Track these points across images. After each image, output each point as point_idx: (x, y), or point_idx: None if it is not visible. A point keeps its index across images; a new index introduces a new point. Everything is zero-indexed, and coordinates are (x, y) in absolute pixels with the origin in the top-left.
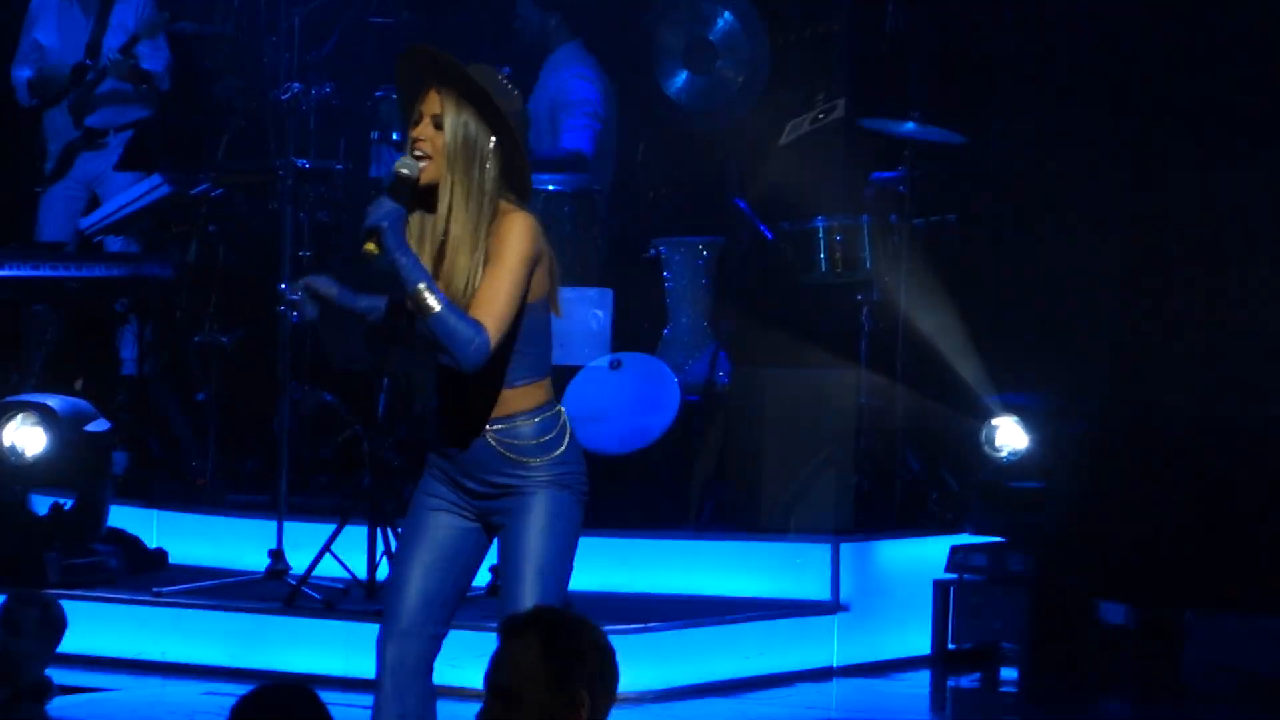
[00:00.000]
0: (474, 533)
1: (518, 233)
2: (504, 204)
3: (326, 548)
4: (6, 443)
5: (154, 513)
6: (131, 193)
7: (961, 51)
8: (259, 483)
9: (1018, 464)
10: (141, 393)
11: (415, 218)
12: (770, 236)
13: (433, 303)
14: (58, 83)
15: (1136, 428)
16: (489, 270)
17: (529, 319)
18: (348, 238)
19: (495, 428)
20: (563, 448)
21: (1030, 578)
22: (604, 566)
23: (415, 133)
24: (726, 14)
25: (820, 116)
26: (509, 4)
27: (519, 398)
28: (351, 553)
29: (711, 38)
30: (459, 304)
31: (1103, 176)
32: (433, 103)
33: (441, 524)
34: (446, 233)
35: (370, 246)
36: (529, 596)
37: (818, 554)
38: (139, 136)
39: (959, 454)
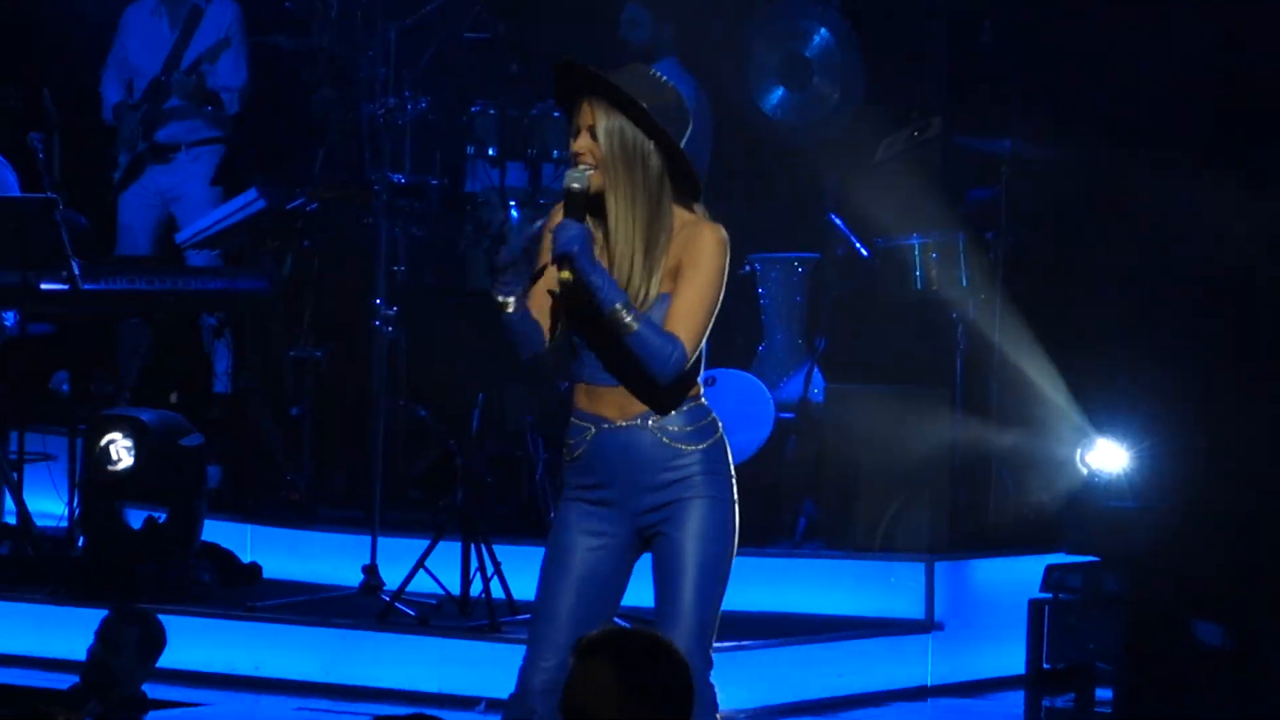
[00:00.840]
0: (628, 561)
1: (715, 247)
2: (686, 213)
3: (420, 563)
4: (99, 456)
5: (248, 527)
6: (227, 207)
7: (1057, 69)
8: (352, 498)
9: (1113, 483)
10: (236, 407)
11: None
12: (866, 253)
13: (630, 322)
14: (126, 122)
15: (1232, 446)
16: (686, 282)
17: None
18: (441, 252)
19: (651, 419)
20: (714, 440)
21: (1126, 597)
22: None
23: (575, 146)
24: (822, 30)
25: (915, 134)
26: (605, 16)
27: (669, 391)
28: (445, 569)
29: (807, 54)
30: (640, 307)
31: (1200, 192)
32: (586, 114)
33: (594, 560)
34: (605, 245)
35: (566, 274)
36: (689, 602)
37: (912, 572)
38: (230, 152)
39: (1054, 473)
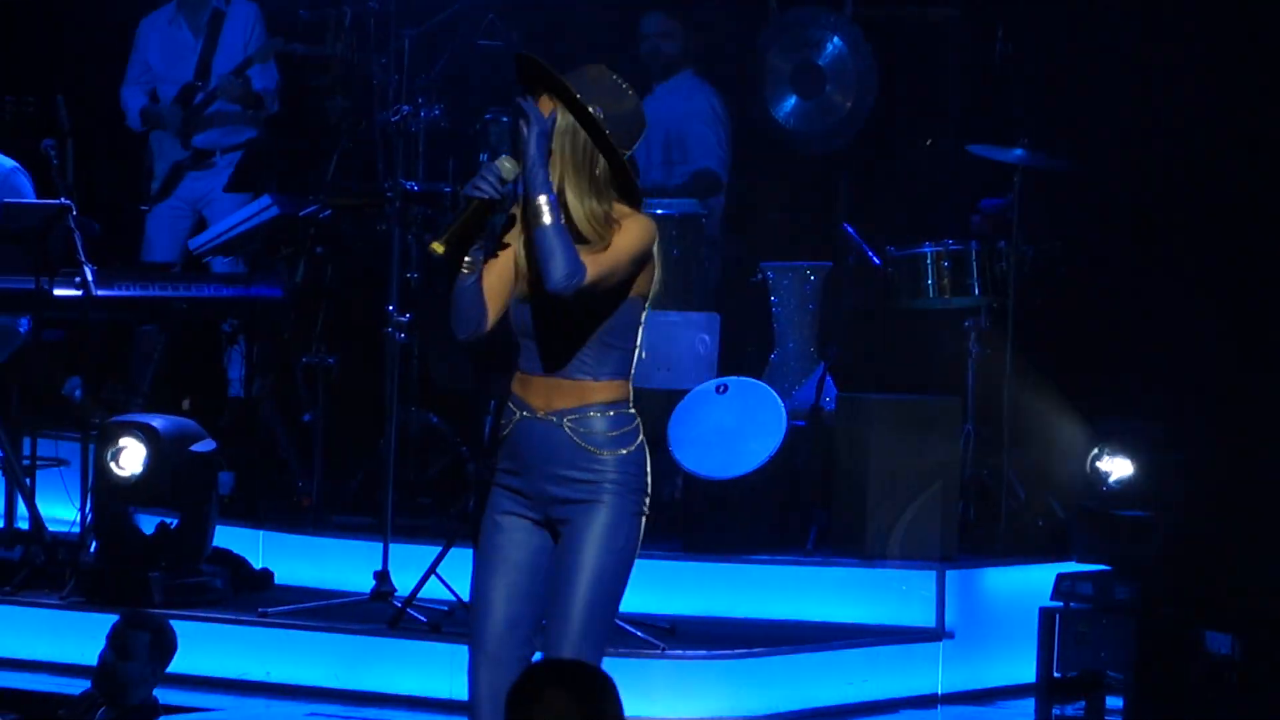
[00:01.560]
0: (548, 544)
1: (636, 227)
2: (621, 208)
3: (432, 570)
4: (110, 462)
5: (260, 533)
6: (241, 214)
7: (1070, 78)
8: (364, 504)
9: (1123, 492)
10: (248, 413)
11: (519, 211)
12: (878, 262)
13: (548, 217)
14: (166, 117)
15: (1243, 455)
16: (610, 245)
17: (624, 313)
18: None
19: (570, 417)
20: (633, 448)
21: (1136, 607)
22: (708, 591)
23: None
24: (835, 39)
25: (928, 143)
26: (619, 25)
27: (598, 391)
28: (456, 575)
29: (820, 63)
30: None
31: (1212, 203)
32: (545, 105)
33: (516, 542)
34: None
35: (510, 164)
36: (578, 610)
37: (923, 580)
38: (248, 158)
39: (1065, 481)
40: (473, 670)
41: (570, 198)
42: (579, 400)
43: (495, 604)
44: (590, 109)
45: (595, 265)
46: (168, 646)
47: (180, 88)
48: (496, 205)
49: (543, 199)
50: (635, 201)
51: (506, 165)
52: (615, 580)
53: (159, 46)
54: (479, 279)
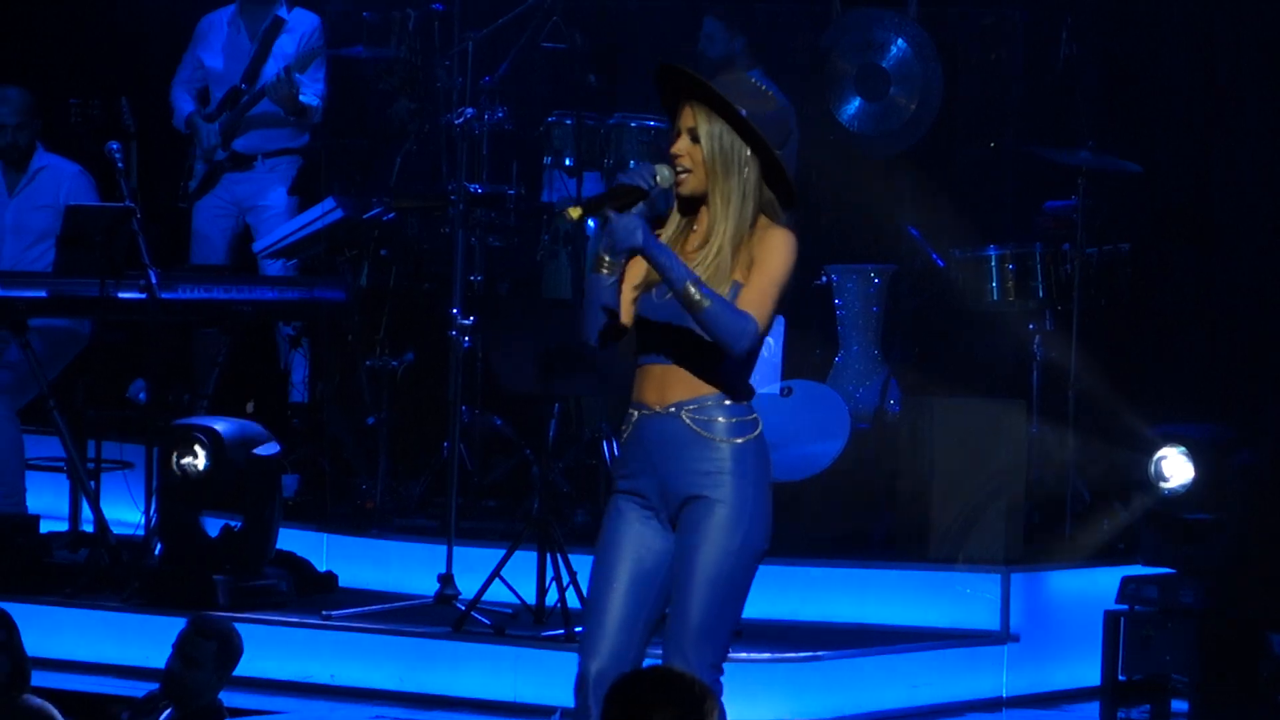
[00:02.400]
0: (669, 544)
1: (784, 245)
2: (763, 218)
3: (496, 573)
4: (173, 465)
5: (324, 536)
6: (305, 216)
7: (1134, 80)
8: (429, 507)
9: (1187, 495)
10: (312, 416)
11: (672, 224)
12: (942, 264)
13: (701, 298)
14: (203, 134)
15: None
16: (757, 272)
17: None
18: (518, 262)
19: (688, 407)
20: (751, 437)
21: (1201, 610)
22: (773, 594)
23: (674, 149)
24: (900, 41)
25: (990, 145)
26: (683, 28)
27: (716, 380)
28: (520, 578)
29: (885, 65)
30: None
31: (1277, 204)
32: (688, 117)
33: (636, 545)
34: (704, 241)
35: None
36: (695, 615)
37: (988, 583)
38: (310, 162)
39: (1130, 485)
40: (582, 672)
41: (718, 204)
42: (694, 391)
43: (611, 607)
44: (738, 109)
45: (756, 305)
46: (234, 653)
47: (227, 90)
48: (643, 197)
49: (690, 286)
50: (789, 197)
51: (664, 171)
52: (732, 582)
53: (217, 46)
54: (619, 280)
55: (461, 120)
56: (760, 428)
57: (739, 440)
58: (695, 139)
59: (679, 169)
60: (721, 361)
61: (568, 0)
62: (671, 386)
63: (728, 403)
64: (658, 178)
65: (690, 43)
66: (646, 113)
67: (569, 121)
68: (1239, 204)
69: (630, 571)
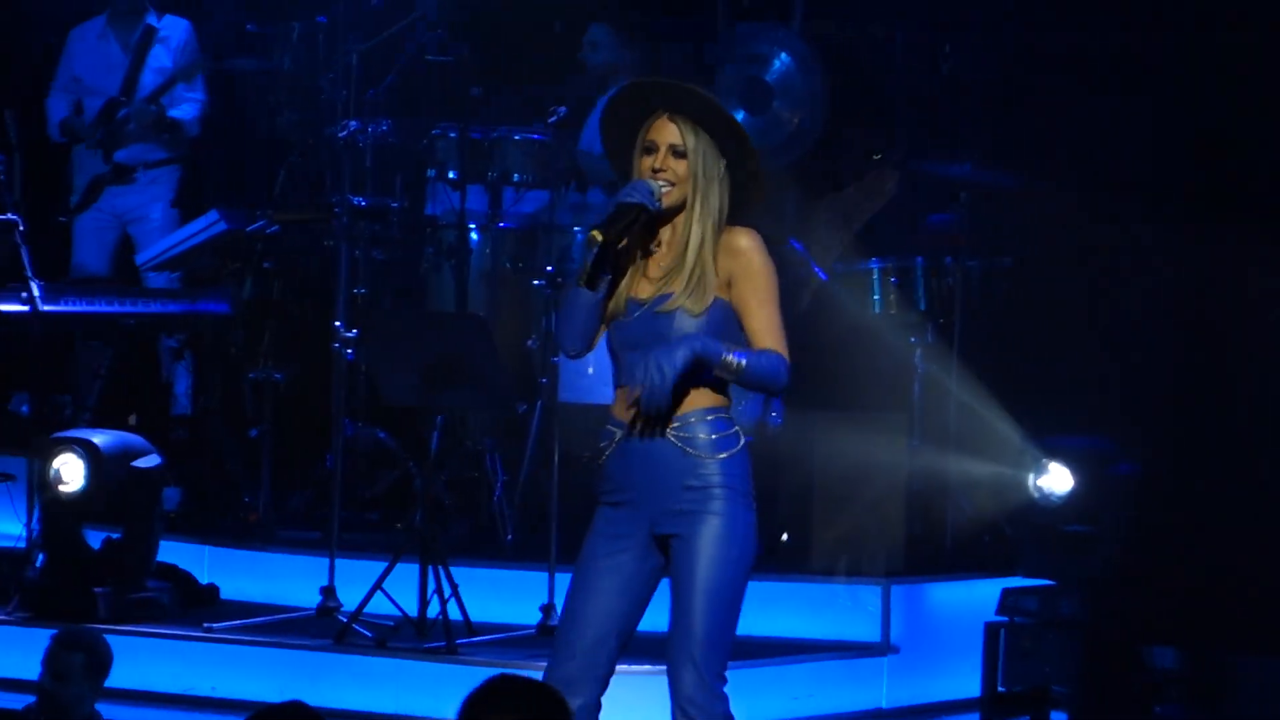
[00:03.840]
0: (651, 563)
1: (760, 256)
2: (731, 230)
3: (378, 585)
4: (51, 478)
5: (206, 548)
6: (188, 229)
7: (1016, 93)
8: (311, 519)
9: (1066, 507)
10: (195, 428)
11: (638, 236)
12: (825, 277)
13: (737, 362)
14: (85, 132)
15: (1187, 470)
16: (754, 298)
17: (721, 318)
18: (402, 274)
19: (674, 426)
20: (736, 450)
21: (1081, 621)
22: (654, 606)
23: (655, 163)
24: (783, 55)
25: (875, 158)
26: (564, 43)
27: (701, 396)
28: (402, 590)
29: (768, 79)
30: (684, 312)
31: (1158, 219)
32: (670, 132)
33: (616, 566)
34: (678, 255)
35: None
36: (699, 626)
37: (869, 595)
38: (190, 173)
39: (1010, 497)
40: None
41: (696, 218)
42: (681, 408)
43: (587, 623)
44: (738, 127)
45: (776, 337)
46: (103, 663)
47: (104, 102)
48: (646, 214)
49: (730, 358)
50: (761, 196)
51: (656, 188)
52: (732, 591)
53: (87, 59)
54: (603, 298)
55: (346, 133)
56: (744, 440)
57: (724, 455)
58: (679, 154)
59: (662, 183)
60: (700, 378)
61: (452, 13)
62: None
63: (710, 418)
64: (655, 195)
65: (574, 53)
66: (530, 125)
67: (453, 134)
68: (1121, 217)
69: (608, 588)
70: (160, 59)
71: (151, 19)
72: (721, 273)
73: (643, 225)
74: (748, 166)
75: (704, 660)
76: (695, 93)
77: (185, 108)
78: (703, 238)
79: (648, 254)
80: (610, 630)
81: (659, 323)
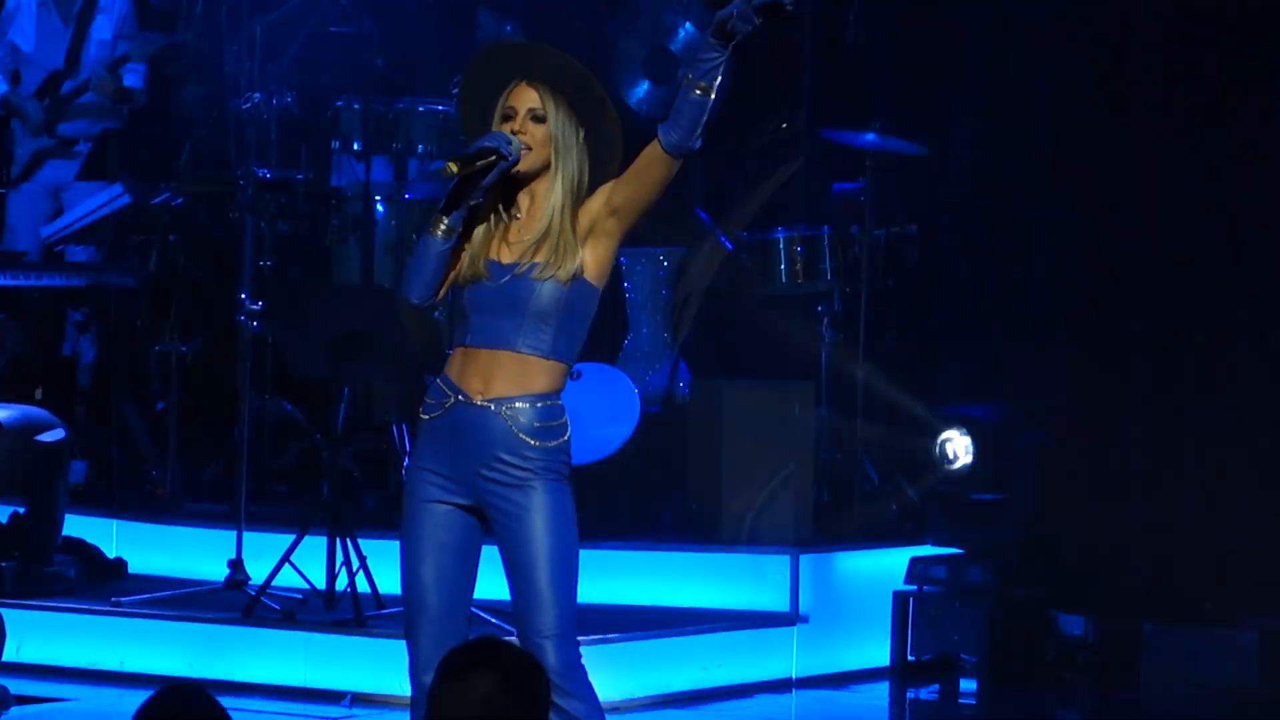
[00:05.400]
0: (475, 525)
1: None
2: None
3: (286, 558)
4: None
5: (113, 522)
6: (92, 202)
7: (921, 62)
8: (218, 492)
9: (973, 475)
10: (101, 402)
11: (494, 199)
12: (731, 247)
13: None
14: (28, 111)
15: (1093, 438)
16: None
17: (588, 296)
18: (308, 246)
19: (506, 405)
20: (563, 440)
21: (989, 589)
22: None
23: (514, 127)
24: (687, 24)
25: (782, 126)
26: (465, 11)
27: (540, 373)
28: (310, 563)
29: (673, 48)
30: (551, 281)
31: (1061, 185)
32: (529, 97)
33: (444, 526)
34: (541, 223)
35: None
36: (547, 593)
37: (777, 565)
38: (101, 145)
39: (917, 465)
40: (414, 660)
41: (557, 184)
42: (519, 386)
43: (429, 590)
44: (602, 93)
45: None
46: None
47: (46, 74)
48: (502, 160)
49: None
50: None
51: (516, 142)
52: (573, 558)
53: (27, 28)
54: (452, 247)
55: (249, 105)
56: (569, 431)
57: (551, 444)
58: (538, 118)
59: (518, 143)
60: (546, 360)
61: None
62: (496, 380)
63: (541, 405)
64: (512, 145)
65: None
66: (434, 97)
67: (357, 105)
68: (1026, 184)
69: (439, 552)
70: (102, 30)
71: None
72: (580, 232)
73: (500, 181)
74: (607, 128)
75: (564, 632)
76: (551, 53)
77: (132, 77)
78: (563, 203)
79: (508, 220)
80: (456, 594)
81: (520, 287)
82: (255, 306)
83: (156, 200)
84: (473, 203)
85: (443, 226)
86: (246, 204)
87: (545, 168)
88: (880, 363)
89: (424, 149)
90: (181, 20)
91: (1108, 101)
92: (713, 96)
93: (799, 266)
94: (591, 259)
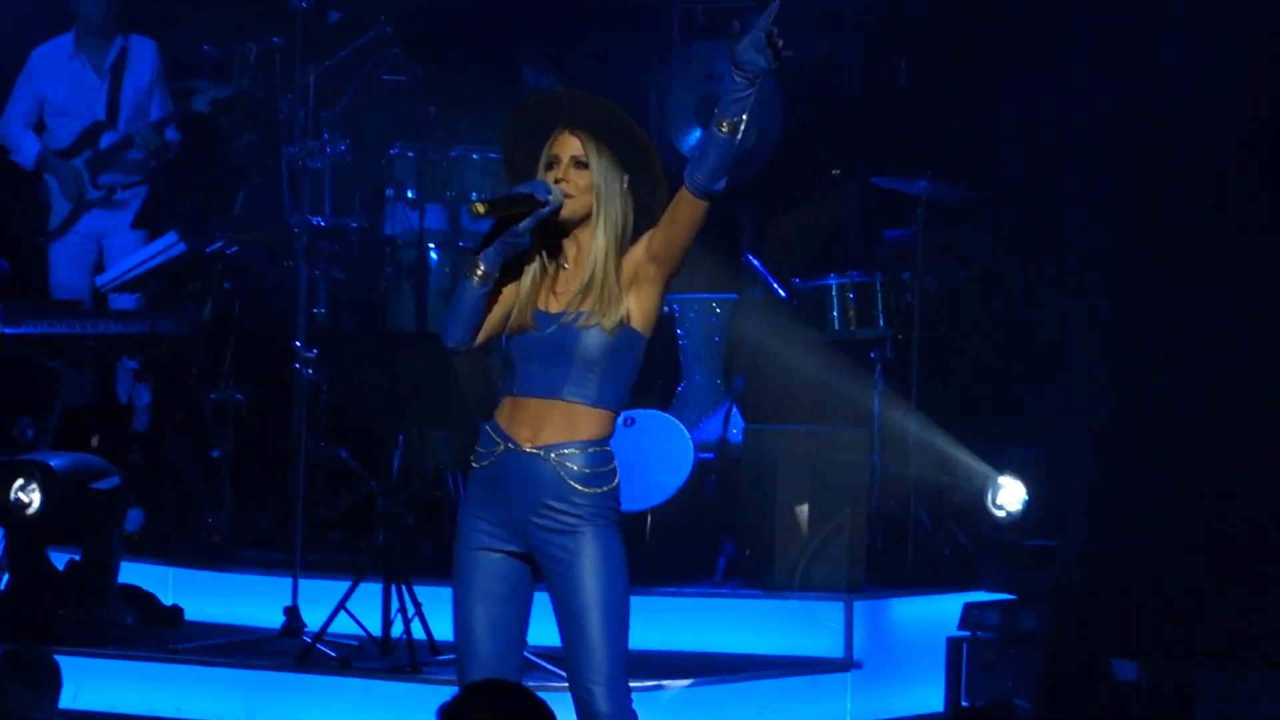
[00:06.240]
0: (527, 573)
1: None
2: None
3: (341, 605)
4: (8, 501)
5: (170, 569)
6: (147, 250)
7: (972, 110)
8: (274, 539)
9: (1025, 521)
10: (156, 449)
11: (539, 248)
12: (783, 294)
13: (736, 132)
14: (65, 173)
15: (1145, 483)
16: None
17: (635, 344)
18: (361, 294)
19: (555, 452)
20: (612, 486)
21: (1043, 635)
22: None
23: (558, 174)
24: None
25: (834, 173)
26: (516, 68)
27: (589, 422)
28: (366, 610)
29: None
30: (597, 329)
31: (1113, 231)
32: (569, 145)
33: (495, 575)
34: (577, 261)
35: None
36: (598, 637)
37: (831, 611)
38: (154, 194)
39: (970, 511)
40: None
41: (599, 232)
42: (567, 434)
43: (481, 638)
44: (652, 149)
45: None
46: (37, 670)
47: (86, 126)
48: (538, 208)
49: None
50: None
51: (556, 190)
52: (625, 610)
53: (60, 82)
54: (489, 291)
55: (303, 153)
56: (618, 477)
57: (601, 490)
58: (580, 164)
59: (560, 191)
60: (593, 409)
61: (408, 33)
62: (545, 427)
63: (592, 450)
64: (552, 193)
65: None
66: (488, 145)
67: (411, 154)
68: (1076, 231)
69: (490, 601)
70: (137, 80)
71: (121, 40)
72: (625, 279)
73: (544, 229)
74: (652, 173)
75: (614, 678)
76: (593, 100)
77: (171, 131)
78: (606, 250)
79: (555, 270)
80: (509, 642)
81: (566, 336)
82: (310, 354)
83: (211, 249)
84: (513, 251)
85: (480, 271)
86: (301, 252)
87: (588, 215)
88: (932, 409)
89: (477, 197)
90: (235, 68)
91: (1153, 147)
92: (738, 137)
93: (851, 313)
94: (636, 307)
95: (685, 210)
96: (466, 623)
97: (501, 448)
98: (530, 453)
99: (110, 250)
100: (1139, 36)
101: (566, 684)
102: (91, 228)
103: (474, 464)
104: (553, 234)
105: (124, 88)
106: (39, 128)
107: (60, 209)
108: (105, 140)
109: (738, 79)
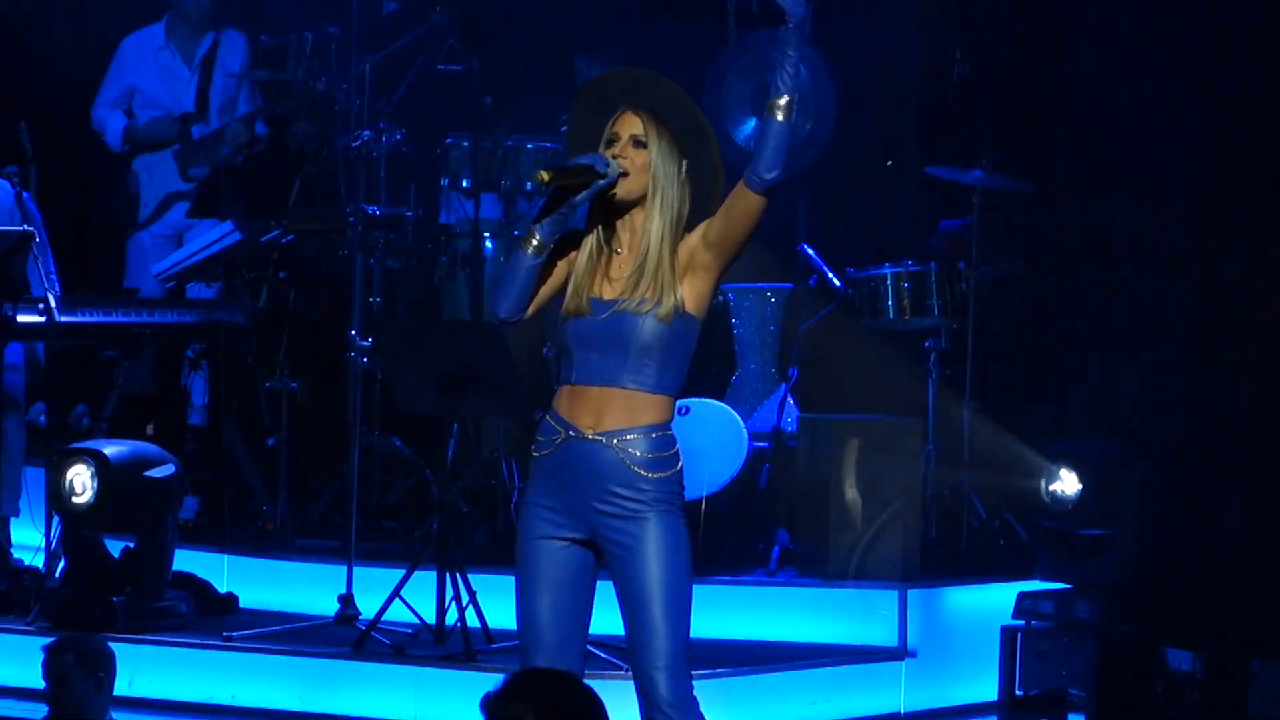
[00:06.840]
0: (590, 561)
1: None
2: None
3: (396, 593)
4: (64, 488)
5: (225, 557)
6: (203, 239)
7: (1028, 99)
8: (329, 528)
9: (1081, 511)
10: (212, 438)
11: (594, 229)
12: (838, 283)
13: (790, 115)
14: (163, 135)
15: (1201, 472)
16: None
17: (690, 329)
18: (416, 283)
19: (618, 438)
20: (675, 470)
21: (1097, 624)
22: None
23: (616, 151)
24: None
25: (889, 164)
26: (568, 57)
27: (649, 407)
28: (420, 598)
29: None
30: (652, 316)
31: (1168, 222)
32: (630, 123)
33: (558, 563)
34: (640, 256)
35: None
36: (661, 623)
37: (885, 600)
38: (211, 183)
39: (1025, 500)
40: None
41: (655, 214)
42: (629, 420)
43: (544, 626)
44: (710, 133)
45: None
46: (95, 658)
47: (179, 117)
48: (598, 178)
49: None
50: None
51: (615, 163)
52: (687, 596)
53: (149, 70)
54: (542, 263)
55: (359, 142)
56: (681, 461)
57: (664, 474)
58: (639, 143)
59: (622, 170)
60: (652, 395)
61: (463, 22)
62: (604, 409)
63: (655, 435)
64: (610, 168)
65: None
66: (542, 134)
67: (466, 143)
68: (1132, 221)
69: (553, 589)
70: (227, 73)
71: (212, 32)
72: (680, 266)
73: (600, 209)
74: (709, 158)
75: (677, 665)
76: (656, 80)
77: (259, 125)
78: (661, 234)
79: (610, 254)
80: (572, 629)
81: (622, 323)
82: (365, 343)
83: (267, 238)
84: (569, 225)
85: (535, 241)
86: (356, 241)
87: (644, 197)
88: (987, 398)
89: (531, 186)
90: (291, 58)
91: (1216, 135)
92: (791, 120)
93: (906, 302)
94: (690, 293)
95: (742, 203)
96: (530, 611)
97: (563, 436)
98: (593, 440)
99: (189, 239)
100: (1203, 26)
101: (624, 672)
102: (175, 220)
103: (534, 453)
104: (608, 217)
105: (214, 81)
106: (129, 115)
107: (149, 200)
108: (196, 132)
109: (782, 33)
